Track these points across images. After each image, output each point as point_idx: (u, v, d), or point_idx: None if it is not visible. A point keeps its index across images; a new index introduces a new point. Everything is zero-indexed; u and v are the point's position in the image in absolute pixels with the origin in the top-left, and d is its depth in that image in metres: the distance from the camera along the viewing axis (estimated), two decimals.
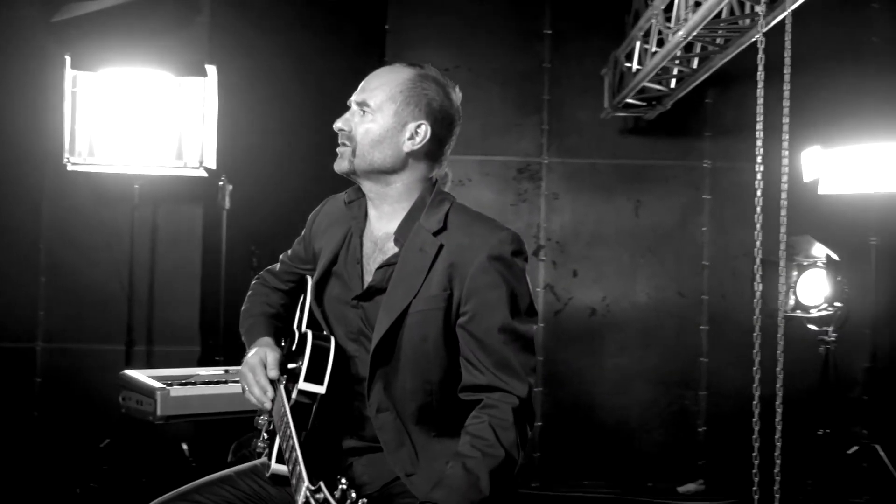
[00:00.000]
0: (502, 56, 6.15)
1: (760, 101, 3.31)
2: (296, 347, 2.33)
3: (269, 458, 2.22)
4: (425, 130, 2.22)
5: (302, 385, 2.16)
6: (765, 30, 3.39)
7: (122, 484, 4.96)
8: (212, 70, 5.18)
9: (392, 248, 2.24)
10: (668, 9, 4.43)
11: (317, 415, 2.18)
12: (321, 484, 1.79)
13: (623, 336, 6.12)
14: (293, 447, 2.03)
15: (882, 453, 5.13)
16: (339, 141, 2.27)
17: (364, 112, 2.23)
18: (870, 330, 5.70)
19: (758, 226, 3.32)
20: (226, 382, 4.12)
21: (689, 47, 4.58)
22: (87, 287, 5.58)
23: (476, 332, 2.14)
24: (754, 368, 3.26)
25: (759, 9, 3.37)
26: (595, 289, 6.12)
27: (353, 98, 2.27)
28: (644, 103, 5.67)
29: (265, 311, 2.54)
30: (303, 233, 2.55)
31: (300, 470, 1.92)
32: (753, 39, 4.13)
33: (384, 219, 2.28)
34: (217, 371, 4.36)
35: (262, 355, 2.32)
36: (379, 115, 2.22)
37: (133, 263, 5.38)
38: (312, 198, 6.38)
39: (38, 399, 5.64)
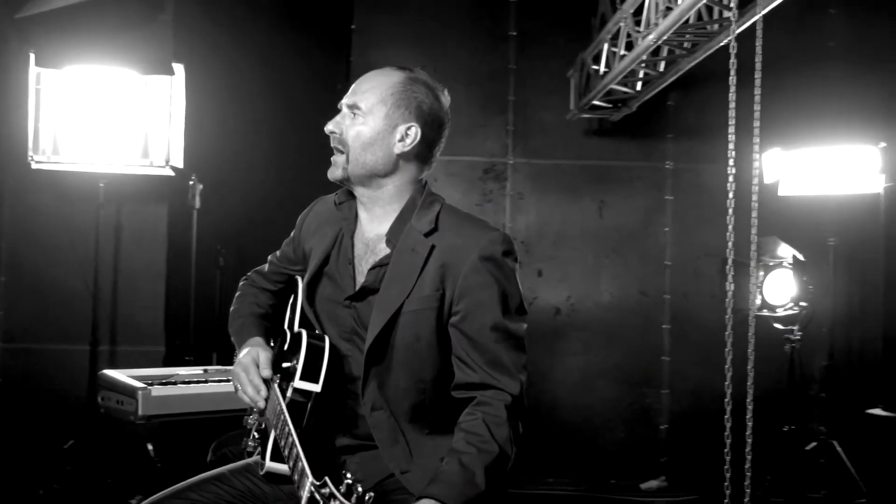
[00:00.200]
0: (468, 56, 6.19)
1: (732, 104, 3.39)
2: (288, 347, 2.35)
3: (264, 457, 2.23)
4: (415, 132, 2.26)
5: (297, 383, 2.18)
6: (736, 33, 3.46)
7: (86, 485, 4.92)
8: (179, 69, 5.15)
9: (384, 249, 2.26)
10: (637, 12, 4.49)
11: (311, 413, 2.20)
12: (326, 479, 1.81)
13: (587, 335, 6.19)
14: (293, 444, 2.05)
15: (839, 449, 5.25)
16: (332, 146, 2.29)
17: (355, 115, 2.26)
18: (828, 329, 5.82)
19: (730, 227, 3.40)
20: (206, 382, 4.12)
21: (656, 51, 4.64)
22: (50, 287, 5.52)
23: (468, 331, 2.18)
24: (726, 367, 3.33)
25: (732, 14, 3.43)
26: (560, 288, 6.18)
27: (344, 101, 2.30)
28: (610, 105, 5.73)
29: (254, 312, 2.55)
30: (292, 234, 2.57)
31: (302, 466, 1.94)
32: (722, 44, 4.21)
33: (375, 221, 2.31)
34: (196, 371, 4.35)
35: (254, 355, 2.34)
36: (370, 117, 2.25)
37: (98, 263, 5.33)
38: (279, 197, 6.41)
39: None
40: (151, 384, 3.94)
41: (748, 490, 3.42)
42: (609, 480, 6.10)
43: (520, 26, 6.21)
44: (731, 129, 3.39)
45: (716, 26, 4.15)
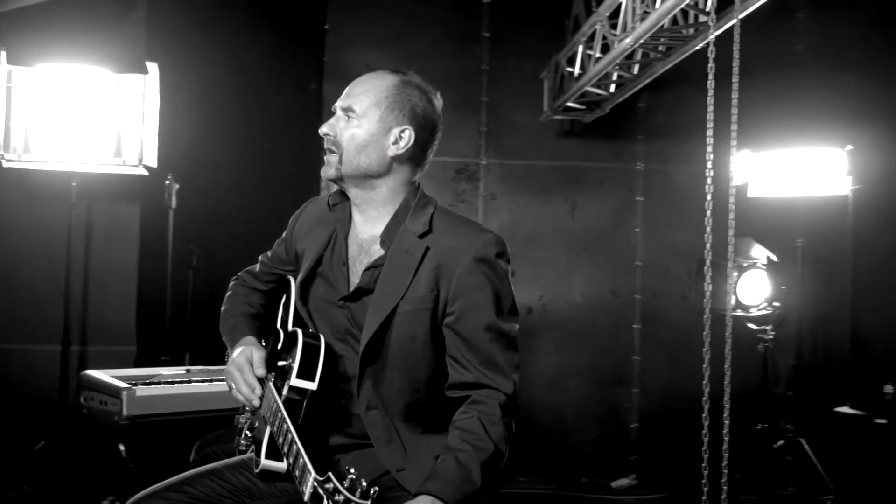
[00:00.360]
0: (441, 57, 6.20)
1: (711, 108, 3.43)
2: (282, 345, 2.37)
3: (258, 455, 2.24)
4: (409, 135, 2.29)
5: (294, 382, 2.20)
6: (712, 37, 3.50)
7: (57, 487, 4.88)
8: (153, 67, 5.12)
9: (378, 251, 2.29)
10: (613, 15, 4.53)
11: (307, 411, 2.22)
12: (329, 474, 1.83)
13: (559, 335, 6.24)
14: (292, 441, 2.07)
15: (806, 447, 5.33)
16: (325, 147, 2.32)
17: (349, 117, 2.29)
18: (795, 328, 5.91)
19: (708, 228, 3.44)
20: (189, 382, 4.12)
21: (631, 54, 4.68)
22: (21, 286, 5.45)
23: (462, 332, 2.21)
24: (704, 366, 3.37)
25: (710, 19, 3.48)
26: (532, 288, 6.21)
27: (339, 104, 2.32)
28: (583, 107, 5.77)
29: (246, 311, 2.57)
30: (283, 234, 2.59)
31: (304, 462, 1.96)
32: (698, 48, 4.27)
33: (369, 222, 2.34)
34: (179, 371, 4.35)
35: (248, 354, 2.35)
36: (364, 120, 2.28)
37: (70, 262, 5.28)
38: (252, 197, 6.36)
39: None
40: (136, 384, 3.93)
41: (725, 487, 3.47)
42: (580, 479, 6.15)
43: (493, 27, 6.23)
44: (710, 132, 3.43)
45: (692, 30, 4.21)
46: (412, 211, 2.30)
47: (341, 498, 1.82)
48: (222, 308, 2.60)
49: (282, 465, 2.20)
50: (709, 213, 3.44)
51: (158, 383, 4.06)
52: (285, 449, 2.12)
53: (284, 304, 2.51)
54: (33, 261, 5.44)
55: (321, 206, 2.46)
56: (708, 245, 3.44)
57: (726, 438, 3.39)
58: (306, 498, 1.91)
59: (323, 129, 2.31)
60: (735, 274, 5.05)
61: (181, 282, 5.50)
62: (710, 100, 3.41)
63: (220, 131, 5.91)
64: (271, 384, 2.29)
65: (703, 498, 3.43)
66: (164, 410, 3.90)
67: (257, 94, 6.03)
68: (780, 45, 6.11)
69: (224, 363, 2.45)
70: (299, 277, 2.41)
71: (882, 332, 4.79)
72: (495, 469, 2.12)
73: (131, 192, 5.52)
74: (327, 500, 1.84)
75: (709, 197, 3.43)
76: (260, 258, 2.67)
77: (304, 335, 2.25)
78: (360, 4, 6.21)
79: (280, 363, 2.32)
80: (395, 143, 2.28)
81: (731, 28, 3.58)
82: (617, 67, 4.97)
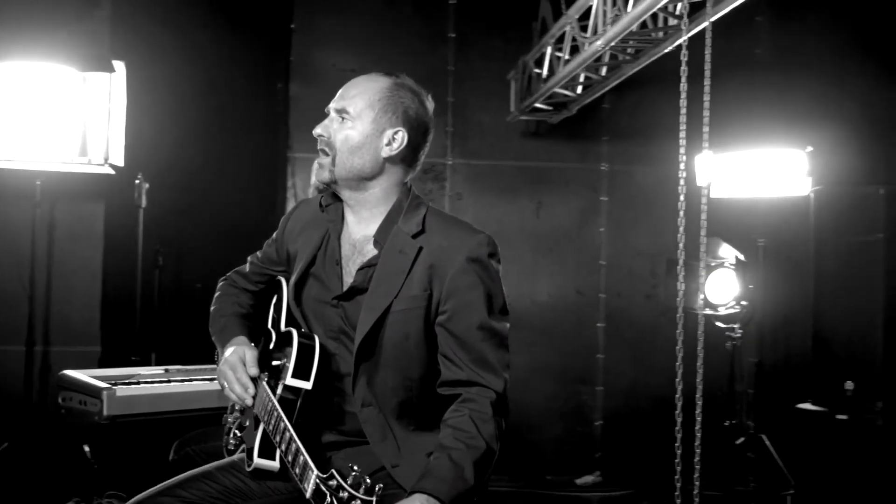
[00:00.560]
0: (407, 57, 6.21)
1: (684, 110, 3.49)
2: (275, 345, 2.38)
3: (251, 454, 2.25)
4: (402, 137, 2.32)
5: (289, 381, 2.21)
6: (685, 38, 3.56)
7: (21, 488, 4.83)
8: (119, 66, 5.07)
9: (371, 251, 2.31)
10: (583, 18, 4.58)
11: (301, 410, 2.24)
12: (333, 471, 1.85)
13: (524, 333, 6.24)
14: (290, 439, 2.09)
15: (767, 443, 5.43)
16: (319, 149, 2.34)
17: (343, 119, 2.31)
18: (756, 327, 6.01)
19: (681, 228, 3.50)
20: (169, 382, 4.10)
21: (600, 56, 4.73)
22: None
23: (455, 330, 2.25)
24: (677, 363, 3.44)
25: (682, 23, 3.54)
26: None
27: (332, 105, 2.34)
28: (550, 108, 5.82)
29: (237, 312, 2.57)
30: (274, 235, 2.60)
31: (304, 459, 1.98)
32: (667, 50, 4.33)
33: (362, 223, 2.36)
34: (157, 370, 4.32)
35: (240, 353, 2.36)
36: (358, 122, 2.30)
37: (34, 262, 5.22)
38: (219, 197, 6.30)
39: None
40: (115, 384, 3.90)
41: (698, 483, 3.53)
42: (545, 476, 6.20)
43: (458, 28, 6.27)
44: (683, 134, 3.50)
45: (660, 34, 4.27)
46: (405, 211, 2.32)
47: (345, 494, 1.83)
48: (212, 308, 2.60)
49: (274, 464, 2.21)
50: (682, 213, 3.50)
51: (138, 383, 4.04)
52: (283, 447, 2.14)
53: (276, 304, 2.52)
54: None
55: (313, 207, 2.47)
56: (681, 245, 3.50)
57: (699, 435, 3.45)
58: (308, 495, 1.93)
59: (317, 131, 2.33)
60: (703, 273, 5.13)
61: (147, 281, 5.46)
62: (683, 102, 3.47)
63: (187, 129, 5.87)
64: (264, 383, 2.30)
65: (676, 493, 3.49)
66: (144, 410, 3.87)
67: (224, 93, 6.00)
68: (740, 49, 6.21)
69: (213, 363, 2.45)
70: (293, 278, 2.43)
71: (843, 330, 4.88)
72: (487, 467, 2.16)
73: (96, 191, 5.46)
74: (331, 496, 1.86)
75: (682, 197, 3.50)
76: (249, 259, 2.68)
77: (298, 335, 2.26)
78: (326, 5, 6.22)
79: (274, 363, 2.33)
80: (389, 144, 2.31)
81: (699, 32, 3.64)
82: (585, 69, 5.01)
